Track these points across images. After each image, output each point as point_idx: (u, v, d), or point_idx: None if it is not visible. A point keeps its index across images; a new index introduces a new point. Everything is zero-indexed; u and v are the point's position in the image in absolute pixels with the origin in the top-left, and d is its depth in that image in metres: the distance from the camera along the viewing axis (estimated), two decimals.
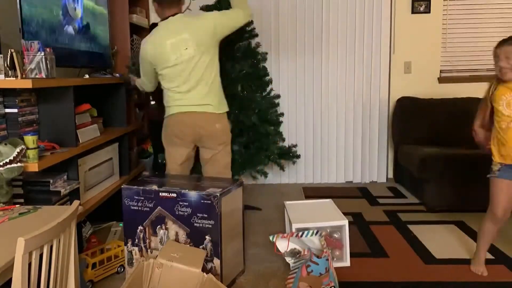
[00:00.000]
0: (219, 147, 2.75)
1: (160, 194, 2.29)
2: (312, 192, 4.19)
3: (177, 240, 2.29)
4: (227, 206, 2.29)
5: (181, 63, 2.59)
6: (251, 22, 3.41)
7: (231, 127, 2.88)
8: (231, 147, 2.88)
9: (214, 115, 2.68)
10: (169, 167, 2.82)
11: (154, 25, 3.47)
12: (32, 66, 2.17)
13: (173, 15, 2.65)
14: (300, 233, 2.35)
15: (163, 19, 2.69)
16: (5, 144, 1.95)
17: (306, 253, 2.35)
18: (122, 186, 2.37)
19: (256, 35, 3.57)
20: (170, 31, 2.61)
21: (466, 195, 3.48)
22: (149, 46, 2.64)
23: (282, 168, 3.71)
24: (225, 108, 2.76)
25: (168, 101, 2.70)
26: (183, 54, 2.58)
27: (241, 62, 3.40)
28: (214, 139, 2.71)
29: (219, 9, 3.39)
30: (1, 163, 1.90)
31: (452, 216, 3.44)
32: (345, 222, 2.61)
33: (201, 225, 2.24)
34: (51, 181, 2.29)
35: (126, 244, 2.41)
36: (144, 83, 2.86)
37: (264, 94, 3.61)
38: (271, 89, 3.69)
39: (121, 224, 2.88)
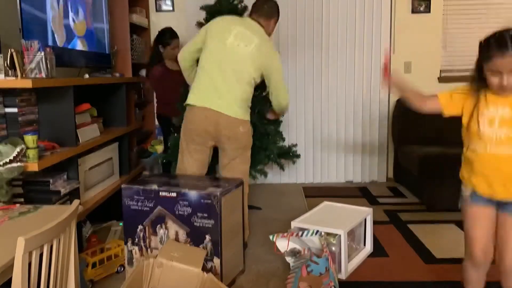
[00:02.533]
0: None
1: (160, 193, 2.29)
2: (312, 192, 4.18)
3: (177, 239, 2.29)
4: (227, 206, 2.29)
5: None
6: None
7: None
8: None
9: None
10: None
11: None
12: (32, 66, 2.17)
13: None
14: (300, 233, 2.35)
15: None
16: (5, 144, 1.95)
17: (306, 252, 2.35)
18: (122, 186, 2.37)
19: None
20: None
21: None
22: None
23: (282, 167, 3.71)
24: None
25: None
26: None
27: None
28: None
29: (220, 9, 3.38)
30: (1, 163, 1.90)
31: (452, 215, 3.43)
32: (340, 231, 2.45)
33: (201, 224, 2.24)
34: (51, 180, 2.29)
35: (126, 243, 2.41)
36: None
37: (264, 94, 3.61)
38: None
39: (121, 224, 2.88)
